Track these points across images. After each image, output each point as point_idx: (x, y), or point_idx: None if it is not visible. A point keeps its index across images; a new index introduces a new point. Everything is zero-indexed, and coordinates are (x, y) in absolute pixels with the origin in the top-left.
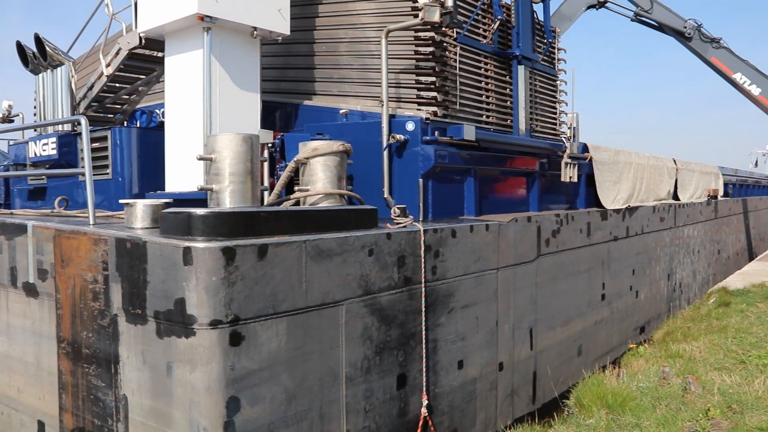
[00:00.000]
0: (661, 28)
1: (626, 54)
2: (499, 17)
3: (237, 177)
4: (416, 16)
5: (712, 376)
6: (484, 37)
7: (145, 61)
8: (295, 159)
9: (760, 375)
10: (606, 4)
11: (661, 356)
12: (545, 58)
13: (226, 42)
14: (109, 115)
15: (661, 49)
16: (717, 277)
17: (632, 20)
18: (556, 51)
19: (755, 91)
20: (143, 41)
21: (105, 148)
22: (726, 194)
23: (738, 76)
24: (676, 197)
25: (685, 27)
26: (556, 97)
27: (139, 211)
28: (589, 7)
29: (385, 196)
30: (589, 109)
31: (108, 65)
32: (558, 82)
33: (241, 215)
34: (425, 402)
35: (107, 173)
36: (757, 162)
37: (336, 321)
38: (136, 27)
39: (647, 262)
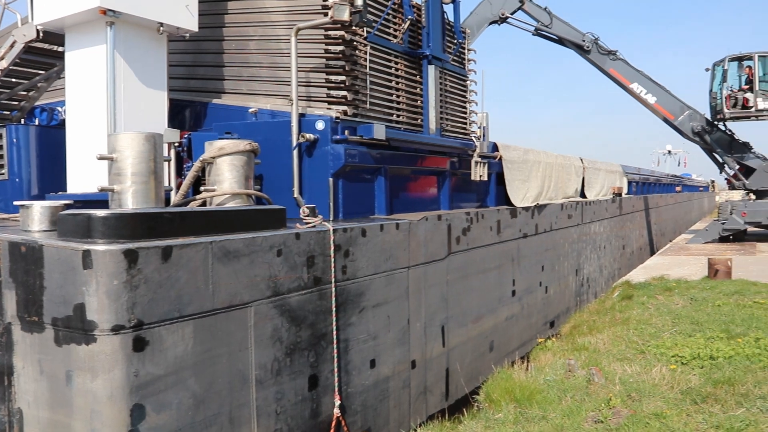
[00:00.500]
0: (561, 41)
1: (540, 57)
2: (410, 17)
3: (139, 177)
4: (326, 14)
5: (615, 366)
6: (395, 36)
7: (44, 55)
8: (201, 158)
9: (657, 363)
10: (507, 20)
11: (568, 349)
12: (455, 58)
13: (131, 38)
14: (5, 112)
15: (571, 55)
16: (622, 272)
17: (533, 34)
18: (466, 51)
19: (651, 99)
20: (41, 34)
21: (0, 147)
22: (629, 191)
23: (635, 86)
24: (583, 195)
25: (584, 40)
26: (466, 97)
27: (36, 213)
28: (491, 23)
29: (295, 195)
30: (501, 110)
31: (1, 59)
32: (468, 82)
33: (143, 216)
34: (338, 402)
35: (2, 173)
36: (658, 161)
37: (244, 323)
38: (32, 19)
39: (556, 258)
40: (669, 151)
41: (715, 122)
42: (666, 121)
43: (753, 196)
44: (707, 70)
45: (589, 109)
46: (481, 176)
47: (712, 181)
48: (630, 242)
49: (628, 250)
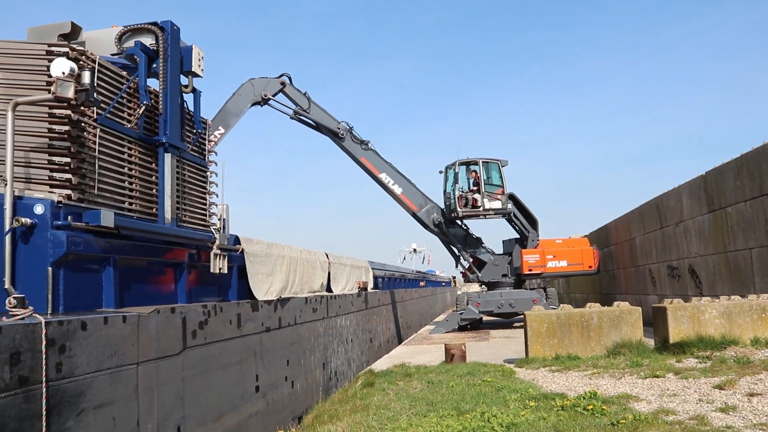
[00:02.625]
0: (318, 127)
1: (291, 159)
2: (146, 102)
3: None
4: (50, 91)
5: None
6: (129, 121)
7: None
8: None
9: None
10: (269, 102)
11: None
12: (195, 148)
13: None
14: None
15: (322, 156)
16: (371, 363)
17: (291, 118)
18: (207, 142)
19: (398, 190)
20: None
21: None
22: (377, 286)
23: (384, 176)
24: (329, 289)
25: (338, 128)
26: (206, 188)
27: None
28: (254, 104)
29: (6, 286)
30: (253, 207)
31: None
32: (209, 173)
33: None
34: None
35: None
36: (404, 258)
37: None
38: None
39: (302, 352)
40: (414, 249)
41: (451, 219)
42: (410, 212)
43: (485, 288)
44: (440, 172)
45: (339, 210)
46: (221, 269)
47: (453, 277)
48: (377, 335)
49: (376, 342)
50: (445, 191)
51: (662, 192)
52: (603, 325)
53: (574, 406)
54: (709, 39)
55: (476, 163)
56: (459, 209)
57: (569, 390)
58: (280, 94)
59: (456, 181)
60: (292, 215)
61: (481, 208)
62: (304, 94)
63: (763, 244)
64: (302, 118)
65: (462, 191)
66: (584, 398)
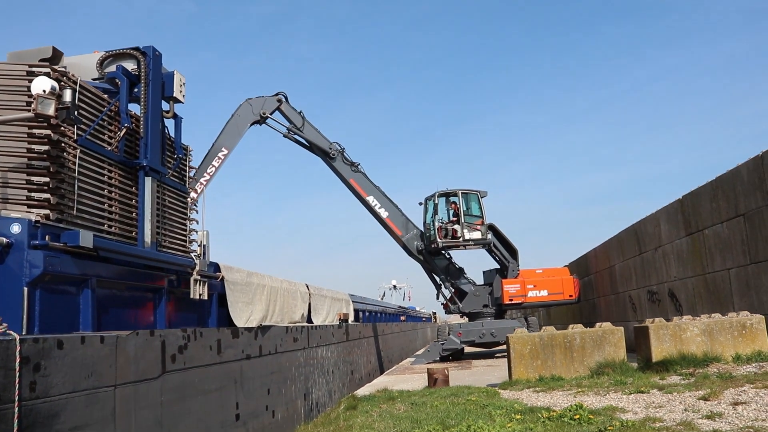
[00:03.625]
0: (311, 147)
1: (278, 197)
2: (126, 125)
3: None
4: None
5: None
6: (110, 143)
7: None
8: None
9: None
10: (267, 120)
11: None
12: (175, 174)
13: None
14: None
15: (301, 198)
16: None
17: (284, 136)
18: (187, 168)
19: (384, 213)
20: None
21: None
22: (357, 320)
23: (371, 199)
24: (310, 321)
25: (330, 148)
26: (186, 214)
27: None
28: (253, 123)
29: None
30: (231, 243)
31: None
32: (189, 199)
33: None
34: None
35: None
36: (384, 294)
37: None
38: None
39: (283, 382)
40: (394, 286)
41: (431, 250)
42: (395, 237)
43: (466, 318)
44: (420, 204)
45: (318, 249)
46: (201, 295)
47: (434, 313)
48: (359, 367)
49: (357, 375)
50: (424, 222)
51: (640, 218)
52: (586, 346)
53: (560, 416)
54: (681, 77)
55: (455, 195)
56: (439, 240)
57: (555, 406)
58: (276, 112)
59: (435, 212)
60: (271, 253)
61: (461, 239)
62: (299, 113)
63: (740, 264)
64: (296, 137)
65: (441, 222)
66: (570, 410)
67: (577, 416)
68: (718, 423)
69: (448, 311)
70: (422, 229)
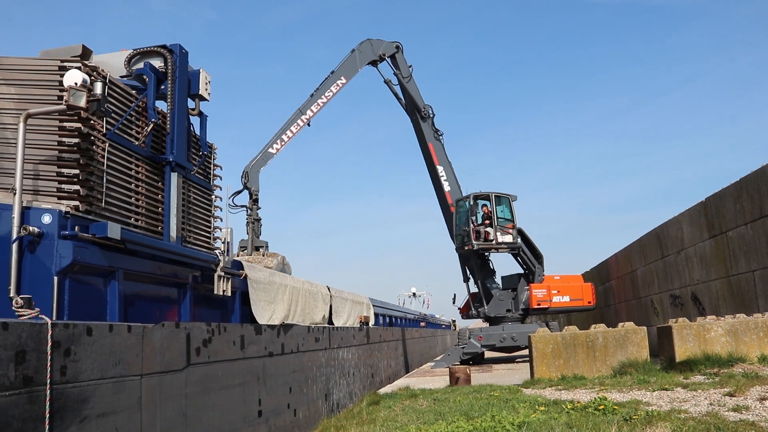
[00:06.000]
0: (406, 101)
1: (304, 200)
2: (154, 120)
3: None
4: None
5: None
6: (137, 138)
7: None
8: None
9: None
10: (383, 60)
11: None
12: (200, 170)
13: None
14: None
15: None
16: None
17: (385, 82)
18: (212, 166)
19: (446, 187)
20: None
21: None
22: (378, 323)
23: (440, 169)
24: (331, 322)
25: (424, 108)
26: (210, 211)
27: None
28: (370, 62)
29: (11, 295)
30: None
31: None
32: (213, 196)
33: None
34: None
35: None
36: (404, 302)
37: None
38: None
39: (304, 381)
40: (414, 293)
41: (463, 251)
42: (447, 215)
43: (487, 323)
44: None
45: (338, 256)
46: (224, 291)
47: (453, 321)
48: (379, 371)
49: (377, 378)
50: (456, 224)
51: (662, 222)
52: (608, 345)
53: (585, 407)
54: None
55: (488, 198)
56: (474, 242)
57: (578, 401)
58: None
59: (472, 213)
60: (289, 259)
61: (494, 242)
62: (410, 66)
63: (765, 266)
64: (396, 87)
65: (474, 224)
66: (595, 402)
67: (602, 407)
68: (745, 415)
69: (465, 316)
70: (456, 230)
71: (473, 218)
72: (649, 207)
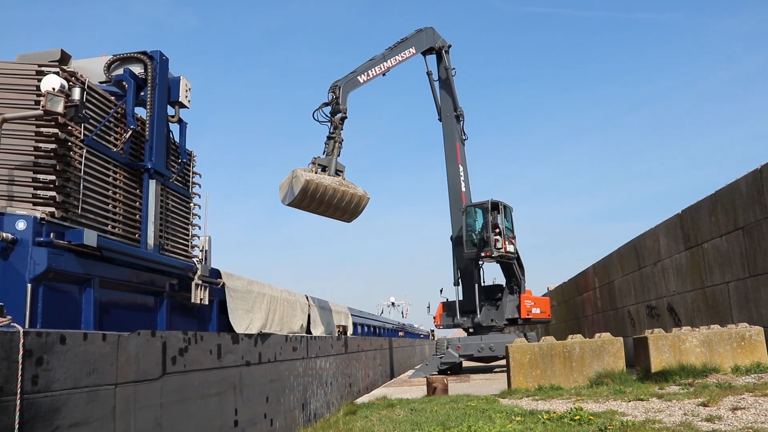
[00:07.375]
0: (444, 98)
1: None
2: (132, 127)
3: None
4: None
5: None
6: (115, 145)
7: None
8: None
9: None
10: (438, 52)
11: None
12: (179, 178)
13: None
14: None
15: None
16: None
17: (427, 73)
18: (191, 174)
19: (463, 187)
20: None
21: None
22: (356, 333)
23: (461, 169)
24: (309, 332)
25: (459, 108)
26: (189, 218)
27: None
28: (427, 48)
29: None
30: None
31: None
32: (192, 204)
33: None
34: None
35: None
36: (382, 311)
37: None
38: None
39: (281, 391)
40: (392, 303)
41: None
42: (455, 216)
43: (466, 333)
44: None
45: (319, 264)
46: (201, 300)
47: (432, 331)
48: (357, 380)
49: (355, 388)
50: (466, 229)
51: (639, 234)
52: (585, 356)
53: (560, 418)
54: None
55: (497, 206)
56: (494, 250)
57: (554, 411)
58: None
59: (495, 219)
60: (268, 269)
61: (502, 249)
62: (453, 68)
63: (739, 277)
64: (439, 81)
65: (495, 231)
66: (570, 412)
67: (578, 417)
68: (718, 425)
69: (437, 324)
70: (466, 235)
71: (495, 224)
72: (624, 219)
